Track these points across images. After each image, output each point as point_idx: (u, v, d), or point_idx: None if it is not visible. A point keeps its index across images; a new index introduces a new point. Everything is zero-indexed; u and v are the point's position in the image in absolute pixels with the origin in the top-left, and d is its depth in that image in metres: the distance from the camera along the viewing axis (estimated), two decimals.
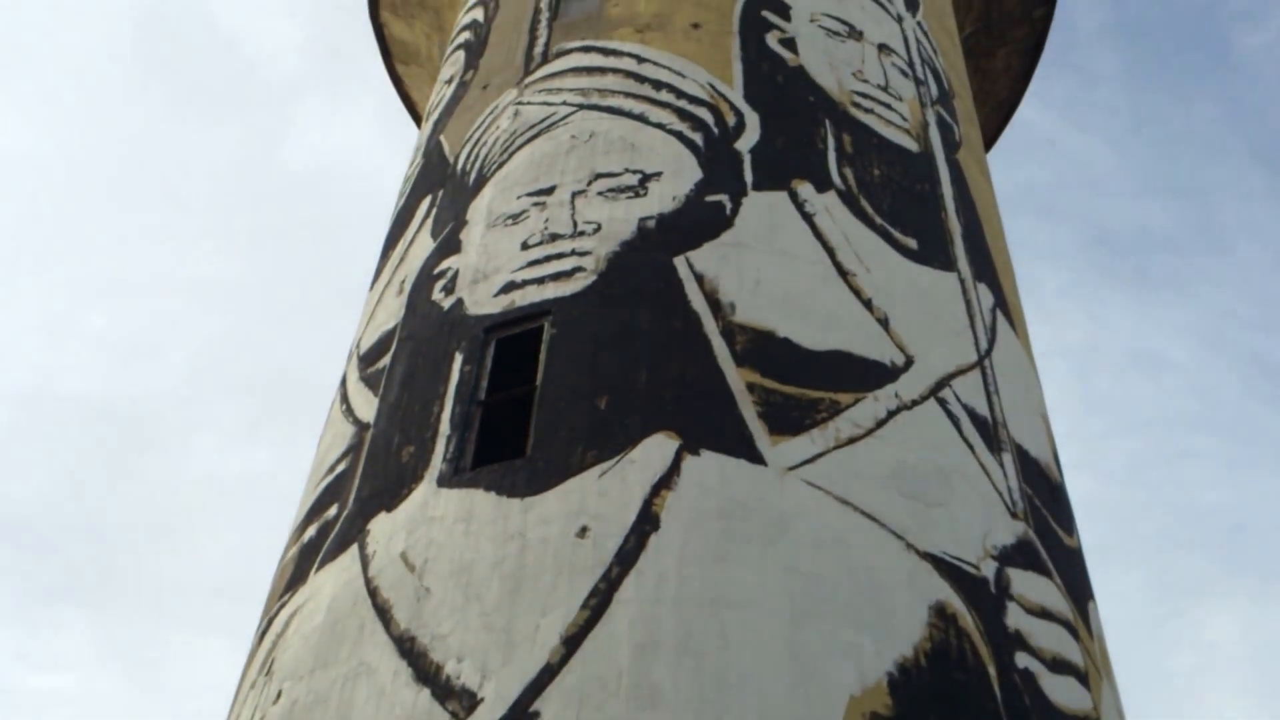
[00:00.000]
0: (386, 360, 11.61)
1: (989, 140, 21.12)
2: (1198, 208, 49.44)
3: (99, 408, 43.90)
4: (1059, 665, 9.51)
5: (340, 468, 10.97)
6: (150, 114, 47.95)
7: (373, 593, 9.31)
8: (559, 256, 11.28)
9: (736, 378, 10.18)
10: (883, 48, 14.88)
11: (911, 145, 13.71)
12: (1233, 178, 49.28)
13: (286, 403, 46.00)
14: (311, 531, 10.66)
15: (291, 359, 46.04)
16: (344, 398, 11.98)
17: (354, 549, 9.83)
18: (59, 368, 43.94)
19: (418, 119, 21.80)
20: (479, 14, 16.32)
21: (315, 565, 10.15)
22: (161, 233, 45.48)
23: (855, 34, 14.74)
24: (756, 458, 9.64)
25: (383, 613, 9.10)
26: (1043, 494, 11.22)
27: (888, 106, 13.99)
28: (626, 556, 8.87)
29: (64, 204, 45.41)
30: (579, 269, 11.10)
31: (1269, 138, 49.50)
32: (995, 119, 21.75)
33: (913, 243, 12.35)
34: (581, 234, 11.42)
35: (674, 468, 9.45)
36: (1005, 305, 13.13)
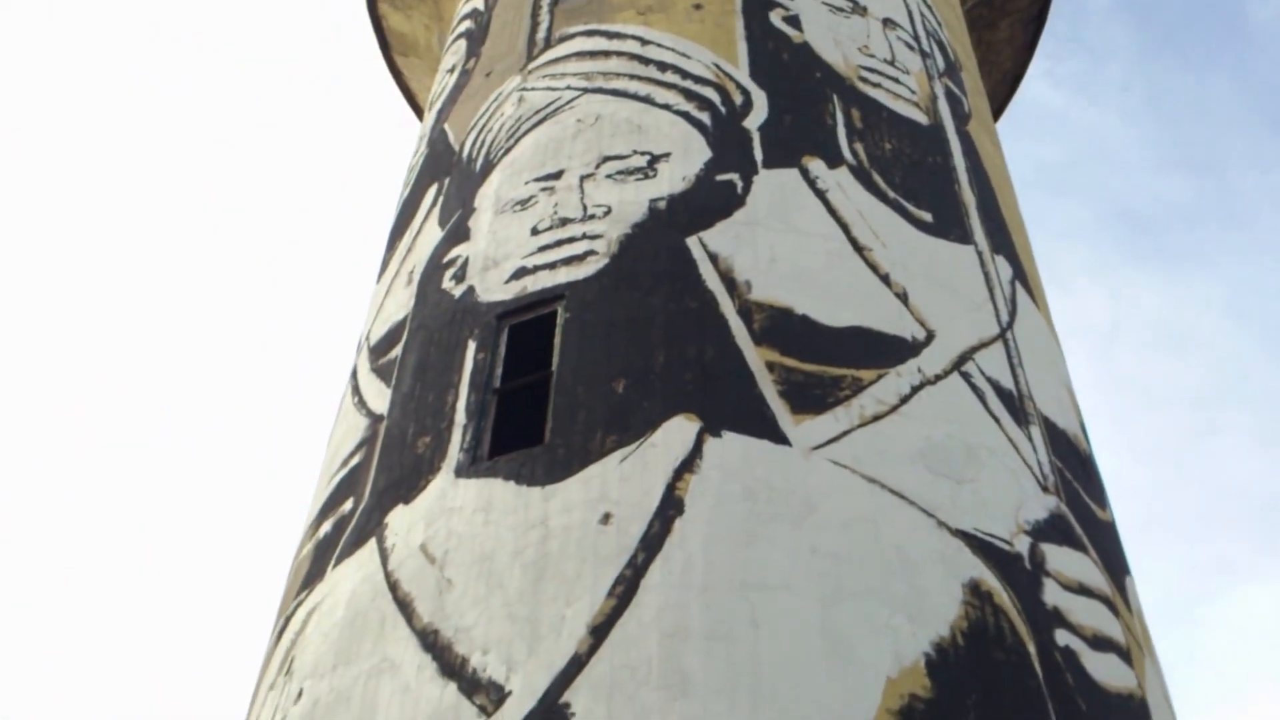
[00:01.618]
0: (398, 351, 11.41)
1: (995, 113, 20.88)
2: (1216, 180, 49.02)
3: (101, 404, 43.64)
4: (1100, 642, 9.28)
5: (354, 461, 10.77)
6: (145, 110, 47.77)
7: (393, 586, 9.12)
8: (570, 240, 11.09)
9: (755, 357, 9.97)
10: (887, 22, 14.68)
11: (921, 118, 13.50)
12: (1250, 148, 48.83)
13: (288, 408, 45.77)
14: (327, 527, 10.46)
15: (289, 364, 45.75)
16: (355, 390, 11.79)
17: (372, 543, 9.63)
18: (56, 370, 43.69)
19: (417, 110, 21.60)
20: (479, 2, 16.13)
21: (332, 561, 9.95)
22: (152, 233, 45.23)
23: (859, 9, 14.54)
24: (780, 438, 9.43)
25: (404, 606, 8.90)
26: (1073, 467, 11.00)
27: (895, 80, 13.79)
28: (651, 542, 8.67)
29: (58, 207, 45.19)
30: (591, 252, 10.90)
31: None
32: (1001, 91, 21.52)
33: (928, 216, 12.14)
34: (592, 217, 11.22)
35: (696, 450, 9.24)
36: (1024, 277, 12.92)
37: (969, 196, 12.99)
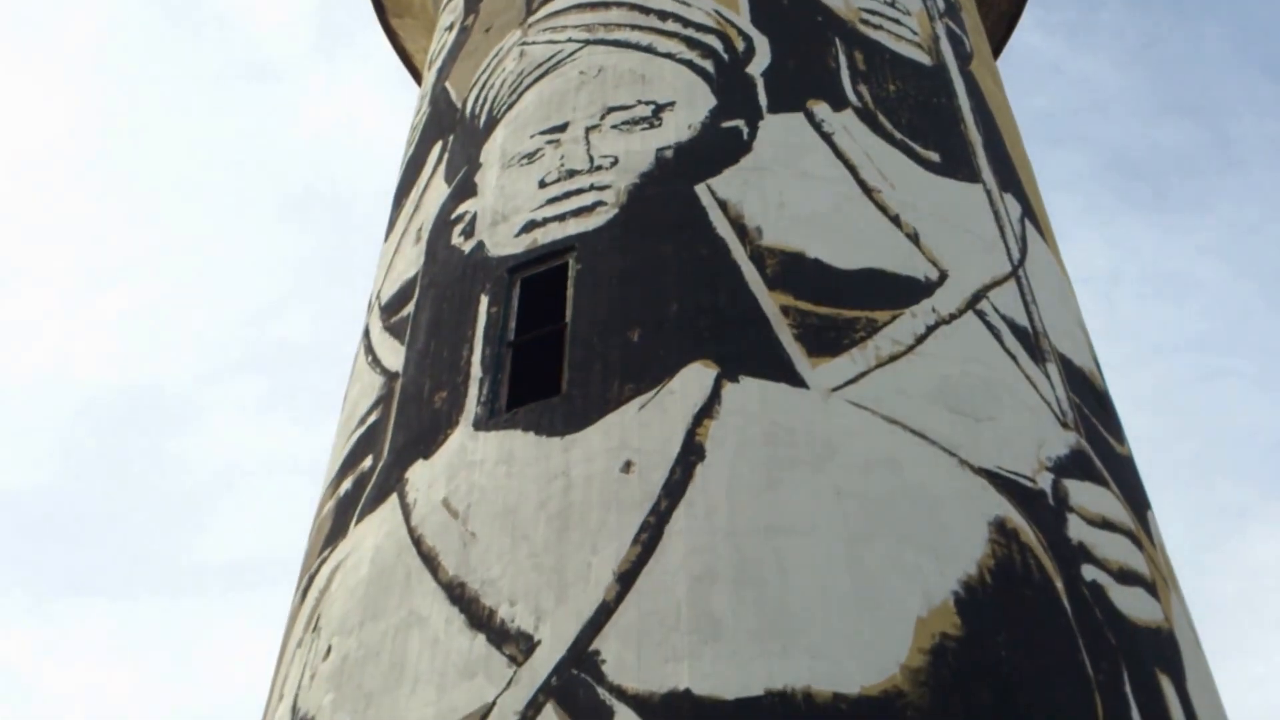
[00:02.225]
0: (410, 308, 11.37)
1: (993, 54, 20.73)
2: (1212, 126, 48.88)
3: (115, 393, 43.66)
4: (1126, 576, 9.29)
5: (371, 419, 10.75)
6: (150, 92, 47.53)
7: (417, 541, 9.11)
8: (578, 192, 11.03)
9: (770, 301, 9.94)
10: None
11: (924, 59, 13.42)
12: (1245, 93, 48.69)
13: (301, 378, 45.76)
14: (347, 484, 10.45)
15: (302, 333, 45.71)
16: (369, 349, 11.75)
17: (393, 499, 9.63)
18: (72, 353, 43.62)
19: (413, 71, 21.46)
20: None
21: (355, 518, 9.94)
22: (161, 214, 45.12)
23: None
24: (798, 381, 9.41)
25: (429, 560, 8.90)
26: (1090, 403, 10.98)
27: (896, 22, 13.69)
28: (674, 488, 8.66)
29: (67, 188, 45.02)
30: (600, 203, 10.85)
31: (1279, 50, 48.91)
32: (998, 31, 21.36)
33: (935, 156, 12.08)
34: (599, 168, 11.16)
35: (714, 396, 9.22)
36: (1033, 215, 12.87)
37: (975, 136, 12.92)
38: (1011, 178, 12.99)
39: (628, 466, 8.85)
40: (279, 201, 47.70)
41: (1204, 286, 46.65)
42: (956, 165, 12.16)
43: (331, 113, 49.03)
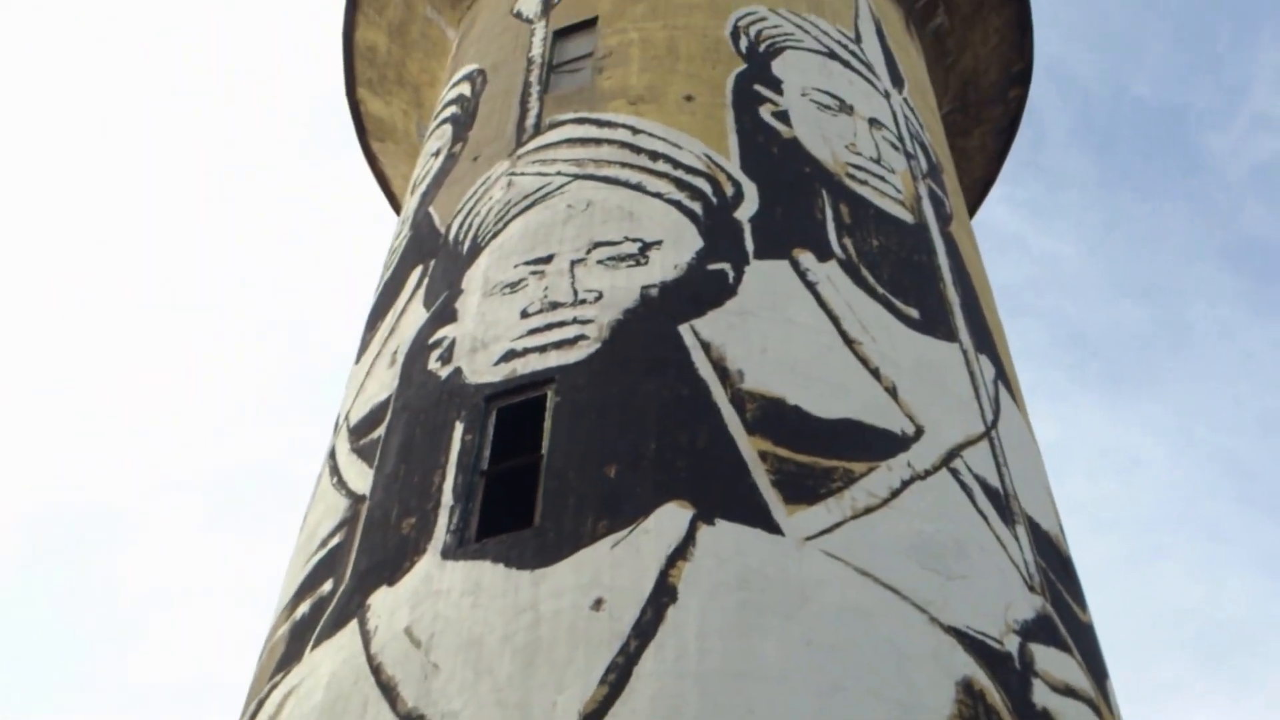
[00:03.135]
0: (381, 431, 11.23)
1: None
2: (1168, 308, 50.02)
3: (54, 512, 42.78)
4: None
5: (334, 541, 10.54)
6: (109, 204, 47.54)
7: (376, 670, 8.86)
8: (560, 325, 11.02)
9: (748, 445, 9.90)
10: (873, 122, 14.86)
11: (907, 217, 13.62)
12: (1203, 278, 49.96)
13: (242, 497, 45.08)
14: (304, 608, 10.19)
15: (248, 451, 45.18)
16: (334, 470, 11.56)
17: (353, 625, 9.38)
18: (8, 474, 42.77)
19: (389, 193, 21.61)
20: (466, 89, 16.19)
21: (311, 643, 9.67)
22: (103, 327, 44.79)
23: (846, 108, 14.71)
24: (773, 527, 9.33)
25: (388, 690, 8.65)
26: (1055, 568, 10.96)
27: (881, 179, 13.92)
28: (644, 629, 8.50)
29: (11, 295, 44.64)
30: (582, 337, 10.83)
31: (1238, 238, 50.35)
32: (970, 197, 21.82)
33: (914, 313, 12.19)
34: (583, 302, 11.17)
35: (689, 537, 9.11)
36: (1005, 377, 12.98)
37: (953, 295, 13.07)
38: (986, 339, 13.12)
39: (598, 604, 8.69)
40: (236, 321, 47.50)
41: (1151, 465, 47.24)
42: (935, 323, 12.27)
43: (305, 223, 49.17)
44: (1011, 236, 47.69)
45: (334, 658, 9.25)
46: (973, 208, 22.54)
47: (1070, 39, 49.42)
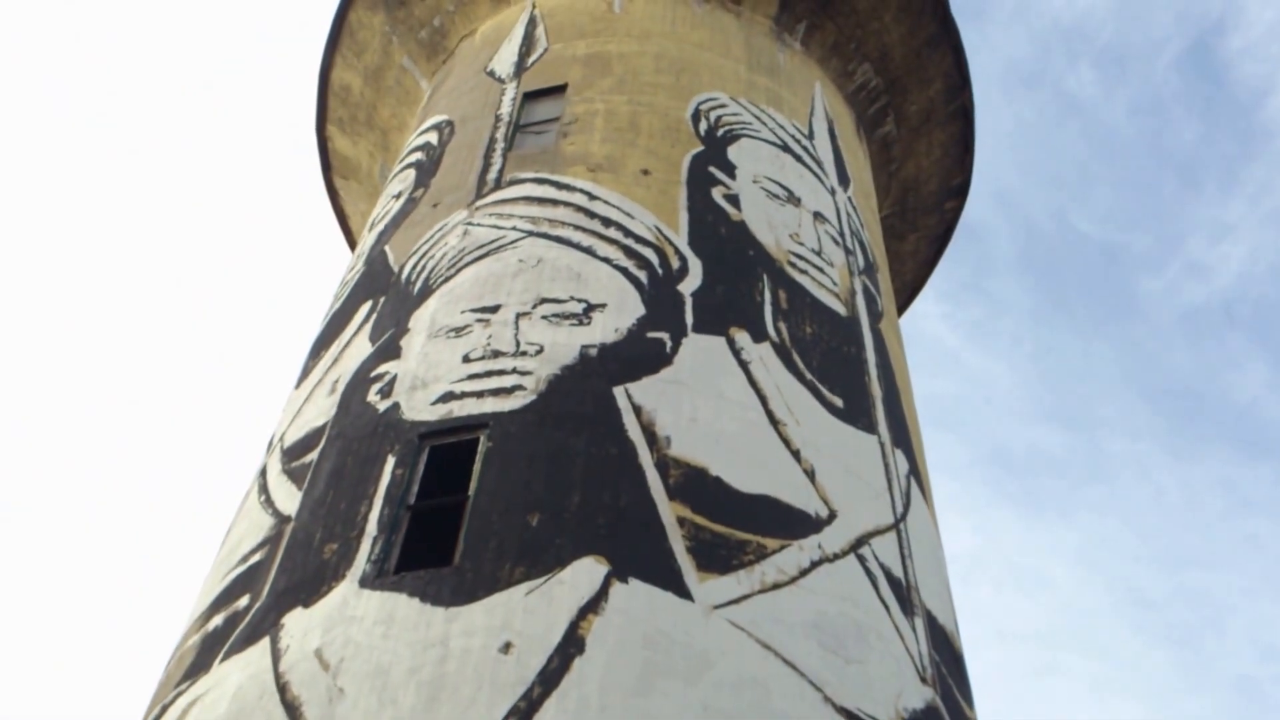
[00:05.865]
0: (313, 456, 11.44)
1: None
2: (1087, 438, 51.57)
3: None
4: None
5: (255, 559, 10.70)
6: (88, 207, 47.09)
7: (282, 688, 9.03)
8: (500, 373, 11.32)
9: (668, 510, 10.23)
10: (818, 215, 15.39)
11: (840, 309, 14.12)
12: (1123, 414, 51.63)
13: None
14: (218, 620, 10.33)
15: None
16: (262, 488, 11.74)
17: (265, 642, 9.55)
18: None
19: (345, 229, 21.85)
20: (433, 137, 16.56)
21: (221, 655, 9.82)
22: (59, 346, 44.19)
23: (794, 199, 15.24)
24: (684, 592, 9.64)
25: (291, 709, 8.82)
26: (948, 662, 11.36)
27: (820, 270, 14.42)
28: (550, 677, 8.75)
29: None
30: (519, 387, 11.15)
31: (1159, 380, 52.20)
32: (900, 299, 22.47)
33: (839, 401, 12.64)
34: (524, 354, 11.50)
35: (602, 592, 9.40)
36: (918, 474, 13.44)
37: (876, 390, 13.55)
38: (903, 435, 13.60)
39: (507, 648, 8.93)
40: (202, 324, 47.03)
41: (1056, 585, 48.32)
42: (857, 414, 12.73)
43: (262, 253, 48.97)
44: (948, 352, 48.97)
45: (242, 671, 9.41)
46: (901, 309, 23.19)
47: (1023, 170, 51.18)
